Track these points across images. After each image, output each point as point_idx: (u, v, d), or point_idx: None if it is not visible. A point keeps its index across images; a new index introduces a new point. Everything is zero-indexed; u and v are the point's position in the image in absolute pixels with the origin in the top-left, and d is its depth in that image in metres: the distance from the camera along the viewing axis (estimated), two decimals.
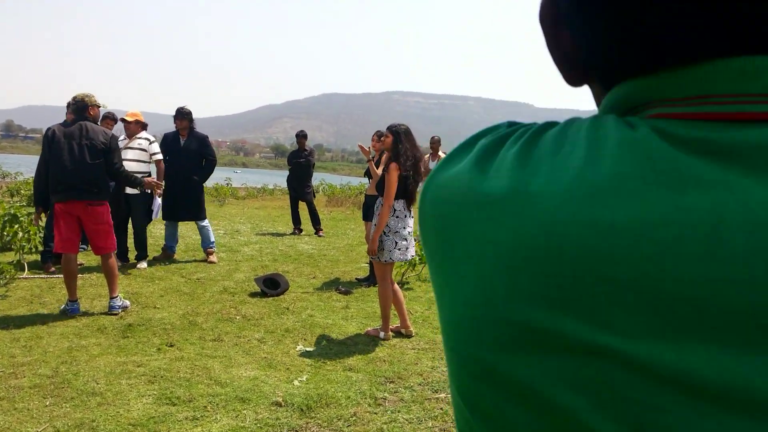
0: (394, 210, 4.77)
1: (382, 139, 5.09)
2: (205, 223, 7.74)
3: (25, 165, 24.89)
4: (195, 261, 7.66)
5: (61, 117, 7.04)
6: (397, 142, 4.78)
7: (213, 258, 7.70)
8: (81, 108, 5.29)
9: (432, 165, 9.82)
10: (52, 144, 5.13)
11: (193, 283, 6.46)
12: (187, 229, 9.42)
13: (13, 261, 6.42)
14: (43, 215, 5.68)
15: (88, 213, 5.14)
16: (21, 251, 6.61)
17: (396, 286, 5.05)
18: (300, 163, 10.63)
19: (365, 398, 3.68)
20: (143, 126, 7.18)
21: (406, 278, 7.09)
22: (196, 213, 7.60)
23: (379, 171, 6.57)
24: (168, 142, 7.55)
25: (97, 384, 3.69)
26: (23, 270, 6.41)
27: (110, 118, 7.27)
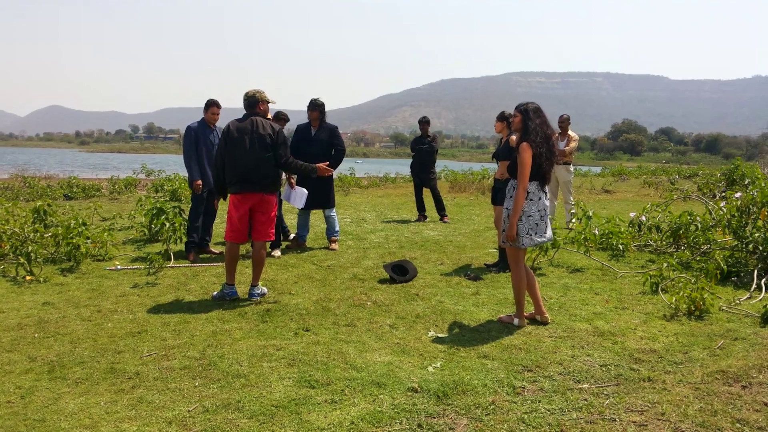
0: (528, 192, 4.57)
1: (511, 120, 4.89)
2: (333, 212, 7.90)
3: (165, 163, 26.86)
4: (324, 249, 7.84)
5: (196, 117, 7.46)
6: (526, 120, 4.56)
7: (335, 246, 7.86)
8: (252, 103, 5.53)
9: (561, 145, 9.39)
10: (228, 138, 5.39)
11: (324, 270, 6.60)
12: (315, 219, 9.68)
13: (160, 251, 6.90)
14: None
15: (261, 203, 5.42)
16: (168, 242, 7.09)
17: (530, 271, 4.86)
18: (423, 150, 10.57)
19: (503, 387, 3.55)
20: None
21: (537, 263, 6.82)
22: (326, 201, 7.77)
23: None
24: (300, 132, 7.77)
25: (241, 366, 3.84)
26: (169, 259, 6.86)
27: (283, 119, 7.58)
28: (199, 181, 7.01)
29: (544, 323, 4.77)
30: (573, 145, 9.47)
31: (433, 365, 3.89)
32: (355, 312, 5.06)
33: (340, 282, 6.09)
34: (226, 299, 5.41)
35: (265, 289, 5.60)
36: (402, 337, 4.44)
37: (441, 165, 24.30)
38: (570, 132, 9.55)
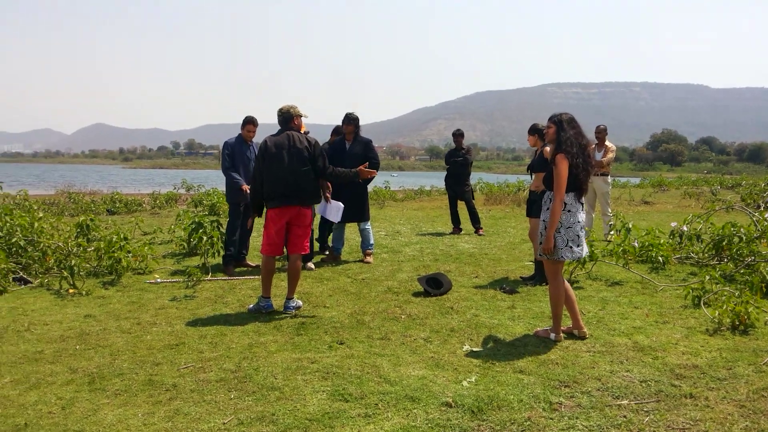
0: (565, 204, 4.51)
1: (545, 131, 4.84)
2: (367, 225, 7.93)
3: (207, 178, 27.32)
4: (359, 262, 7.86)
5: (235, 133, 7.58)
6: (560, 131, 4.52)
7: (369, 259, 7.88)
8: (287, 118, 5.62)
9: (598, 156, 9.26)
10: (265, 154, 5.46)
11: (359, 284, 6.62)
12: (350, 232, 9.72)
13: (198, 264, 7.02)
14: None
15: (298, 216, 5.48)
16: (205, 255, 7.20)
17: (567, 284, 4.78)
18: (458, 162, 10.54)
19: (539, 402, 3.49)
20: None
21: (575, 276, 6.71)
22: (361, 214, 7.80)
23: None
24: (335, 147, 7.84)
25: (276, 379, 3.86)
26: (207, 273, 6.97)
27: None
28: (246, 186, 7.05)
29: (582, 338, 4.68)
30: (610, 155, 9.33)
31: (468, 380, 3.85)
32: (389, 325, 5.05)
33: (375, 295, 6.09)
34: (262, 312, 5.46)
35: (300, 302, 5.64)
36: (436, 351, 4.41)
37: (476, 177, 24.21)
38: (607, 143, 9.41)
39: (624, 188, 23.05)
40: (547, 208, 4.59)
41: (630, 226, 7.61)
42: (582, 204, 4.63)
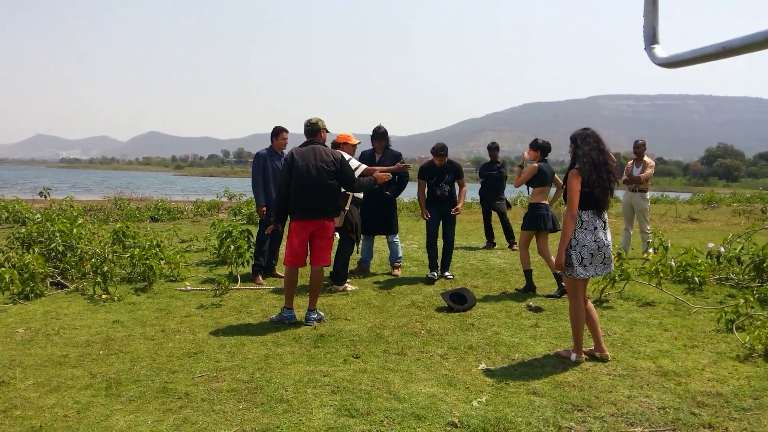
0: (582, 221, 4.42)
1: (526, 154, 4.89)
2: (396, 238, 7.91)
3: (248, 187, 27.69)
4: (388, 275, 7.85)
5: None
6: (576, 148, 4.46)
7: (397, 272, 7.86)
8: (314, 131, 5.72)
9: (636, 171, 9.04)
10: (292, 167, 5.51)
11: (384, 297, 6.60)
12: (381, 244, 9.72)
13: (227, 273, 7.13)
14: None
15: (322, 228, 5.54)
16: (234, 264, 7.31)
17: (590, 304, 4.67)
18: (492, 176, 10.46)
19: (548, 426, 3.40)
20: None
21: (605, 296, 6.54)
22: (389, 228, 7.80)
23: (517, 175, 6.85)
24: (365, 160, 7.86)
25: (286, 391, 3.88)
26: (236, 282, 7.07)
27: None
28: (264, 207, 7.22)
29: (604, 360, 4.55)
30: (649, 171, 9.07)
31: (479, 399, 3.78)
32: (407, 340, 5.02)
33: (398, 309, 6.06)
34: (285, 323, 5.50)
35: (322, 314, 5.66)
36: (451, 369, 4.35)
37: (517, 191, 23.85)
38: (646, 158, 9.16)
39: (671, 204, 22.38)
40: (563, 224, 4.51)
41: (668, 244, 7.38)
42: (605, 222, 4.52)
